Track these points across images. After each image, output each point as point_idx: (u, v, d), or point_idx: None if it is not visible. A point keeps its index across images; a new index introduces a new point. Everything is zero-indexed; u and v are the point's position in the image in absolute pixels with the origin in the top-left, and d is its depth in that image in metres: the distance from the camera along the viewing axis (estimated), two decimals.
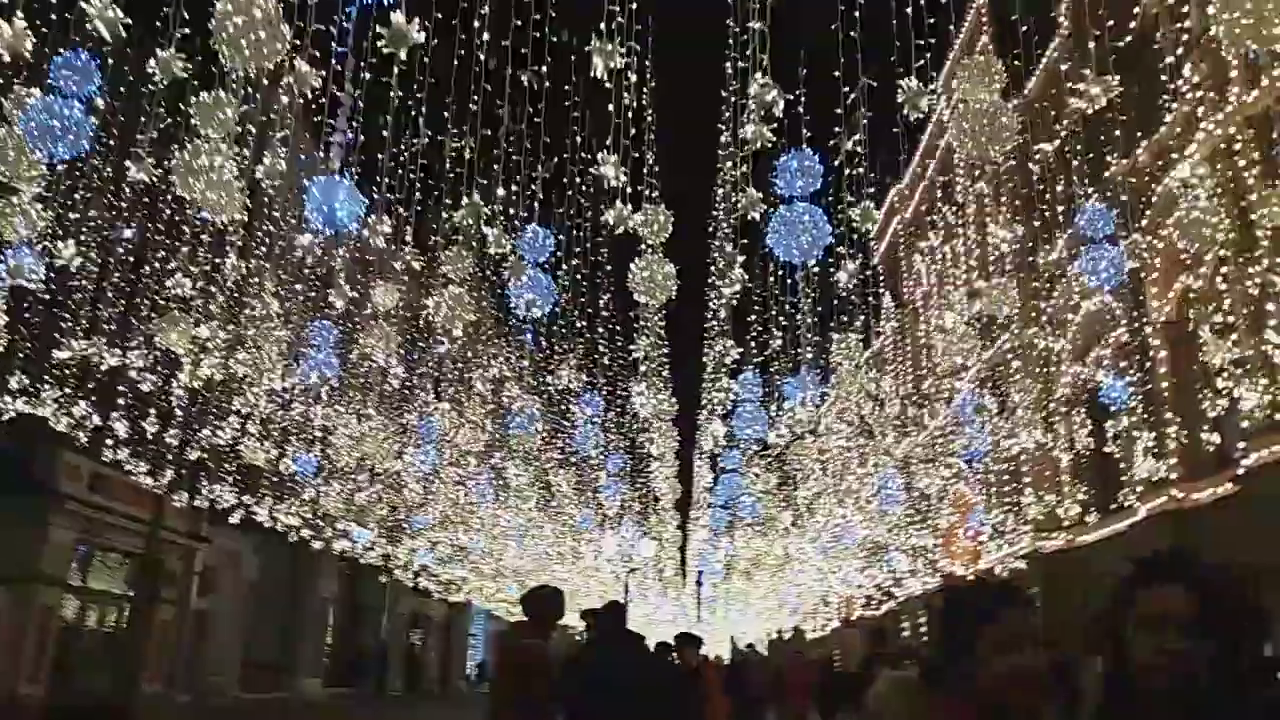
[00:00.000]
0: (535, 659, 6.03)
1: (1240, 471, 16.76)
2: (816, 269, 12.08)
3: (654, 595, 52.90)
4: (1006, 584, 2.29)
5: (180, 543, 26.27)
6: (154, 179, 9.47)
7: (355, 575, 36.22)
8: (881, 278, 36.24)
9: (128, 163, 9.40)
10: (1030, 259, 21.32)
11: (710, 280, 14.78)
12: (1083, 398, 21.10)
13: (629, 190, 7.83)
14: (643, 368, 13.27)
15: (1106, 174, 18.64)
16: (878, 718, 2.24)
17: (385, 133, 8.34)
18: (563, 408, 21.94)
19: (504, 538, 29.98)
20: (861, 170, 9.45)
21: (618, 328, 20.36)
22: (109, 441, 16.32)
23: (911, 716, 2.15)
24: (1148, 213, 18.42)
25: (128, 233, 14.52)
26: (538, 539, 30.64)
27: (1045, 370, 21.54)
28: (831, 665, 24.54)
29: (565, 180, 11.62)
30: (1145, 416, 18.84)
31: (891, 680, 2.32)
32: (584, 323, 15.47)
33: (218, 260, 13.30)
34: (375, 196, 8.87)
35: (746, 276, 11.28)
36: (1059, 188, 19.99)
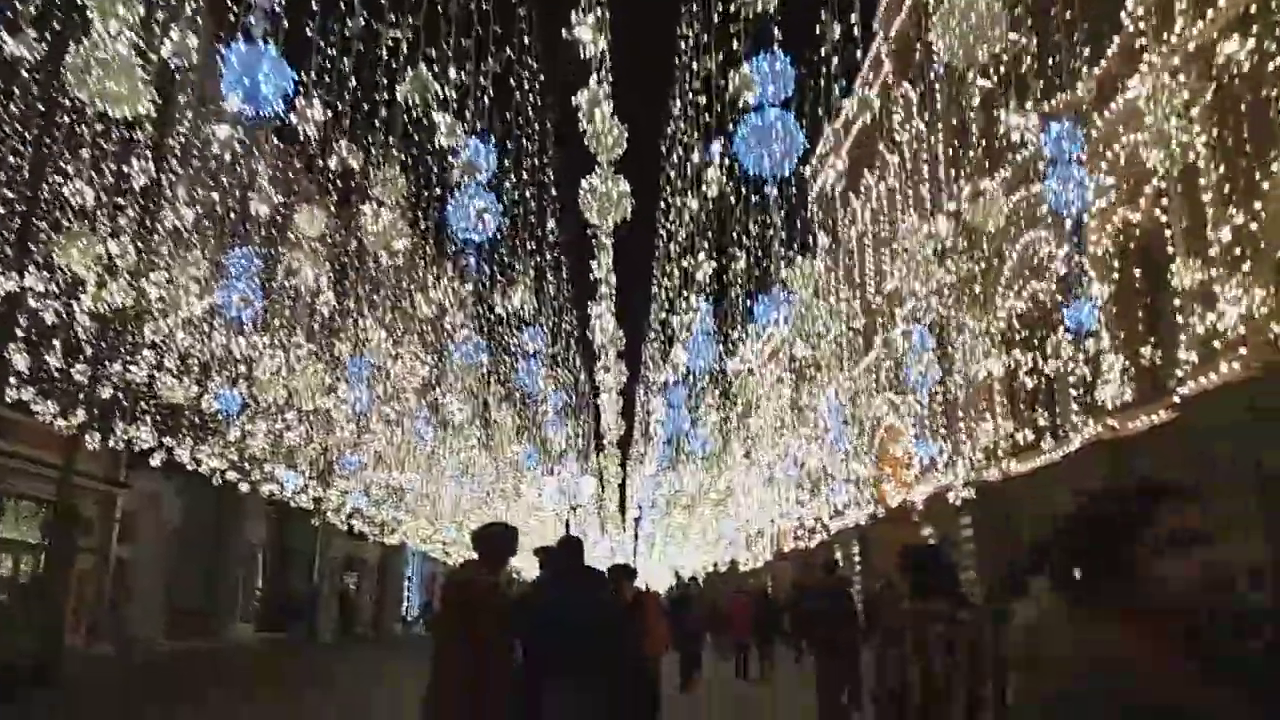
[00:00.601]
0: (485, 596, 5.71)
1: (1177, 400, 17.04)
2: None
3: (594, 532, 53.18)
4: (1153, 481, 1.84)
5: (97, 488, 25.25)
6: (38, 57, 8.31)
7: (284, 518, 35.51)
8: (818, 218, 36.03)
9: (4, 35, 8.20)
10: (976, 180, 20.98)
11: (665, 198, 13.99)
12: (1035, 323, 21.11)
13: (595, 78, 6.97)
14: (602, 289, 12.53)
15: (1053, 100, 18.47)
16: (1042, 659, 1.75)
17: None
18: (505, 338, 21.02)
19: (442, 477, 29.30)
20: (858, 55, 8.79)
21: (562, 256, 19.48)
22: (11, 380, 14.98)
23: (1087, 647, 1.69)
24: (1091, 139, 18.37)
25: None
26: (477, 478, 30.03)
27: (990, 296, 21.54)
28: (766, 596, 25.30)
29: (512, 80, 10.75)
30: (1087, 346, 18.93)
31: (1042, 606, 1.82)
32: (532, 244, 14.45)
33: (124, 165, 11.77)
34: (304, 78, 7.88)
35: (725, 179, 10.50)
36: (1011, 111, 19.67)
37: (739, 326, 18.29)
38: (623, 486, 50.52)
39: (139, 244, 11.17)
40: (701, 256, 12.10)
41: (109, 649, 25.04)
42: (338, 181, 12.37)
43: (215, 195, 13.51)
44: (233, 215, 14.12)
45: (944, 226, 12.44)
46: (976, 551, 23.70)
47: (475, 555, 6.03)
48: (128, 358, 15.47)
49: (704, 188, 10.89)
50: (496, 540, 6.07)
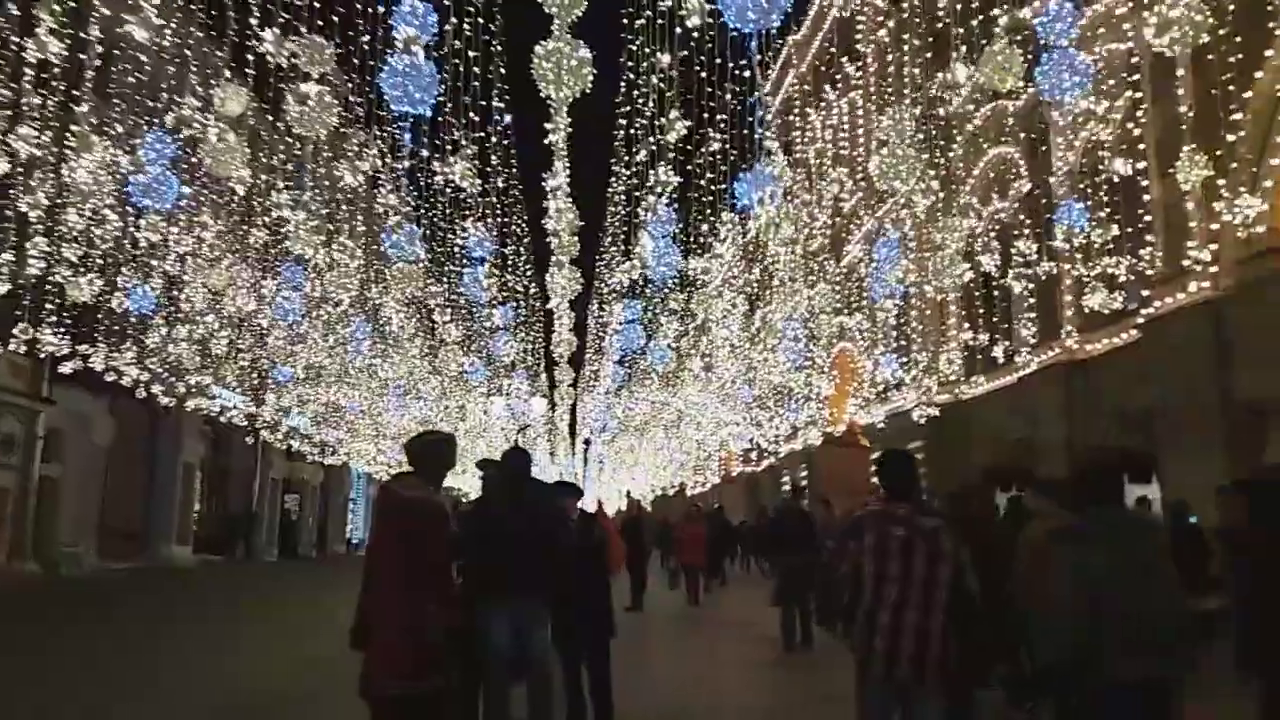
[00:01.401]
0: (423, 512, 5.05)
1: (1140, 321, 16.71)
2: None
3: (542, 454, 52.82)
4: None
5: (18, 403, 24.22)
6: None
7: (222, 438, 34.54)
8: (776, 135, 35.11)
9: None
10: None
11: (627, 60, 12.60)
12: (1003, 236, 20.44)
13: None
14: (557, 165, 11.33)
15: None
16: None
17: None
18: (447, 231, 19.61)
19: (384, 394, 28.25)
20: None
21: (511, 141, 17.98)
22: None
23: None
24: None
25: None
26: (422, 394, 29.02)
27: (960, 204, 20.83)
28: (719, 517, 25.54)
29: None
30: (1050, 265, 18.39)
31: None
32: (477, 116, 12.99)
33: None
34: None
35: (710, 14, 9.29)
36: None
37: (711, 214, 17.09)
38: (574, 408, 49.94)
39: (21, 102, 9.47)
40: (675, 115, 10.93)
41: (34, 567, 24.29)
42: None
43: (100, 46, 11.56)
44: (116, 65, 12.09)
45: (962, 73, 11.17)
46: (928, 473, 23.62)
47: (409, 467, 5.38)
48: (14, 241, 13.56)
49: (679, 24, 9.75)
50: (433, 450, 5.39)
